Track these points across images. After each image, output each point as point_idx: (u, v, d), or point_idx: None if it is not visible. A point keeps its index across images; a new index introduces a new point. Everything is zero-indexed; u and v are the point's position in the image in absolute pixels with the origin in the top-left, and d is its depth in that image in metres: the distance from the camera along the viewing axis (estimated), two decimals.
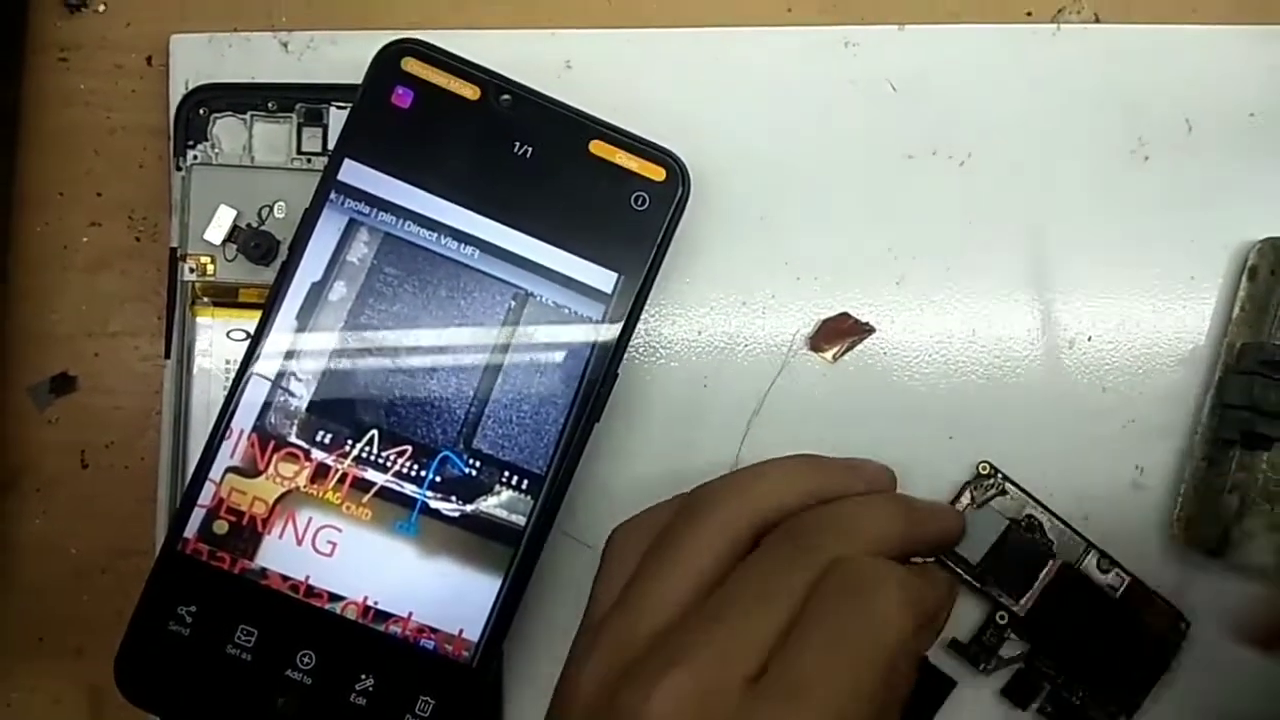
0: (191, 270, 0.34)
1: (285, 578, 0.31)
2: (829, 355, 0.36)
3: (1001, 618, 0.35)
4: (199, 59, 0.36)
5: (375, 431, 0.32)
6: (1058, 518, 0.35)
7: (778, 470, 0.31)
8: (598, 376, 0.32)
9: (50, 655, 0.37)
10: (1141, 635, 0.35)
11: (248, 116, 0.35)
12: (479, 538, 0.32)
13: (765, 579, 0.28)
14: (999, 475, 0.35)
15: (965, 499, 0.35)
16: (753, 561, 0.29)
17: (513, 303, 0.32)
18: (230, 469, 0.31)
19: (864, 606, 0.27)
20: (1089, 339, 0.36)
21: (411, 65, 0.32)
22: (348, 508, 0.32)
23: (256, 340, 0.31)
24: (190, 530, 0.31)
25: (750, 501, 0.30)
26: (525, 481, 0.32)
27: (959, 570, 0.35)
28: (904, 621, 0.27)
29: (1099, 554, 0.35)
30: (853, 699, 0.26)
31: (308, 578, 0.31)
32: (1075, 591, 0.35)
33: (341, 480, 0.32)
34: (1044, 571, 0.35)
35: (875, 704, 0.26)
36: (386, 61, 0.32)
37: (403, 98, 0.32)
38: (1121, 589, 0.35)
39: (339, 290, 0.32)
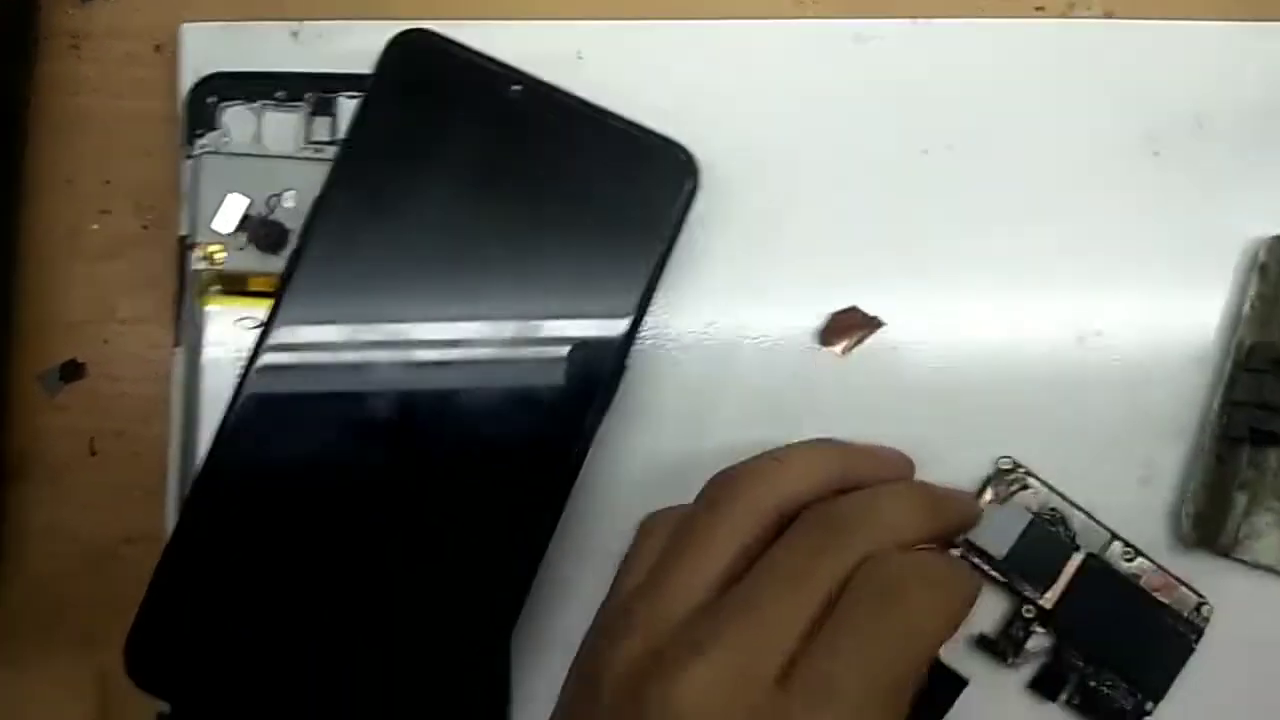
0: (201, 259, 0.34)
1: None
2: (839, 349, 0.36)
3: (1028, 611, 0.35)
4: (209, 47, 0.36)
5: None
6: (1080, 509, 0.35)
7: (802, 455, 0.31)
8: (607, 369, 0.32)
9: (58, 642, 0.37)
10: (1167, 621, 0.35)
11: (258, 105, 0.35)
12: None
13: (795, 567, 0.28)
14: (1020, 470, 0.35)
15: (988, 495, 0.35)
16: (781, 548, 0.29)
17: (521, 292, 0.32)
18: None
19: (898, 610, 0.27)
20: (1098, 334, 0.36)
21: (422, 55, 0.32)
22: None
23: (267, 329, 0.32)
24: None
25: (775, 486, 0.30)
26: (537, 473, 0.32)
27: (984, 566, 0.35)
28: (937, 625, 0.28)
29: (1122, 544, 0.35)
30: (883, 706, 0.26)
31: None
32: (1100, 582, 0.35)
33: None
34: (1069, 563, 0.35)
35: (903, 706, 0.27)
36: (397, 51, 0.32)
37: (412, 87, 0.32)
38: (1145, 577, 0.35)
39: None
